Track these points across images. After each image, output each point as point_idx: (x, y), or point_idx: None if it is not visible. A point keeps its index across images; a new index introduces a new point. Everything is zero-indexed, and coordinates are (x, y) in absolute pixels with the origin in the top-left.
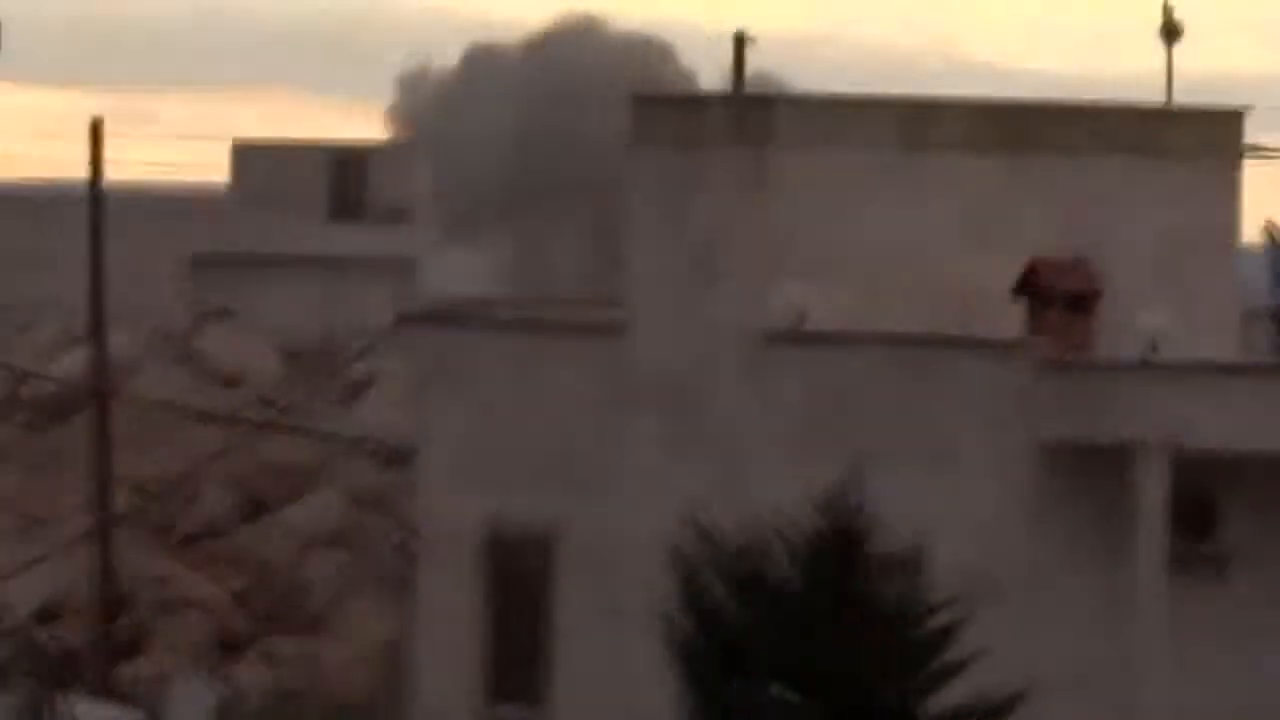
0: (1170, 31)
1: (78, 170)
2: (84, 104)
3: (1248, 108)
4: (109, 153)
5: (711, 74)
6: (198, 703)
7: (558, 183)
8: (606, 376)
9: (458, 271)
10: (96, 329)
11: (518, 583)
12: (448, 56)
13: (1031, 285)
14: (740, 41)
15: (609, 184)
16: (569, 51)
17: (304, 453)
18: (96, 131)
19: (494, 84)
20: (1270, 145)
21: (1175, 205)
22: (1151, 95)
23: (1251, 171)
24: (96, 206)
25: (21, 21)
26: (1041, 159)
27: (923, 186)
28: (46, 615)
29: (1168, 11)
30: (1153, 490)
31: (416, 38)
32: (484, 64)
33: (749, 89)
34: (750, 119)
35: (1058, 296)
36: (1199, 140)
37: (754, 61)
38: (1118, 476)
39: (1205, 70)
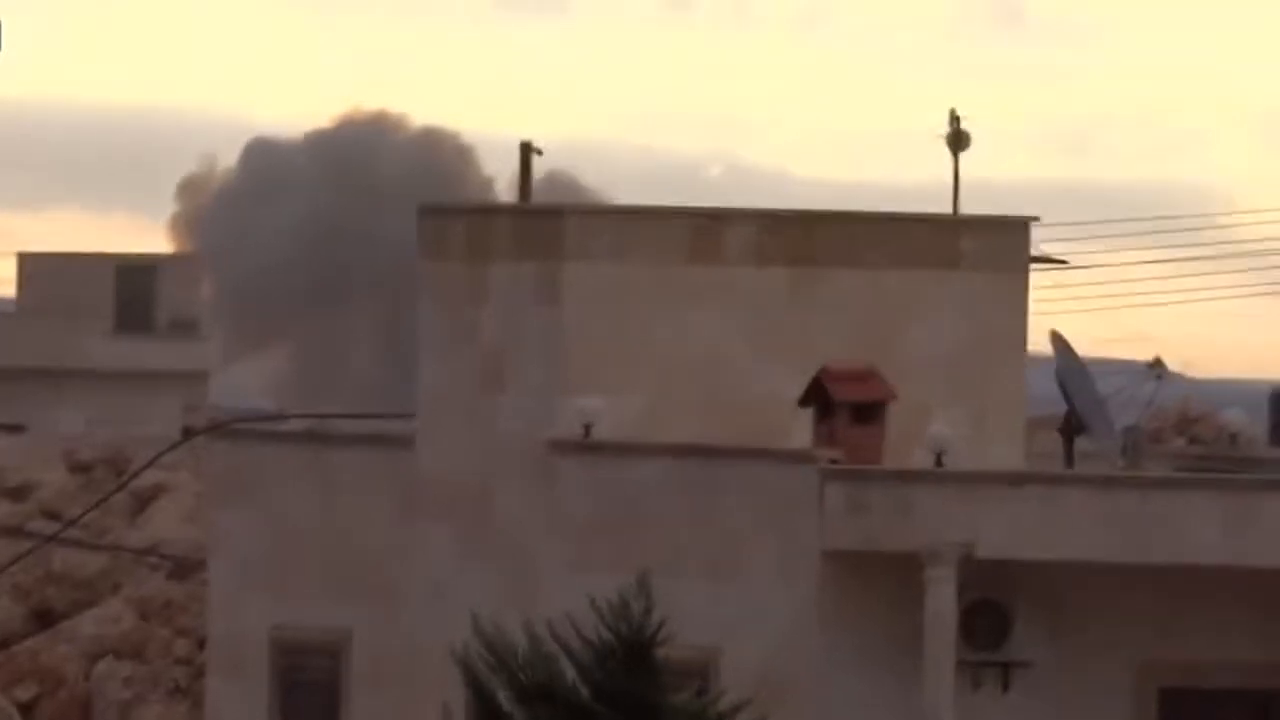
0: (957, 140)
1: None
2: None
3: (1034, 218)
4: None
5: (503, 178)
6: None
7: (349, 284)
8: (396, 486)
9: (246, 382)
10: None
11: (306, 691)
12: (230, 160)
13: (819, 395)
14: (527, 151)
15: (404, 286)
16: (359, 148)
17: (92, 564)
18: None
19: (276, 182)
20: (1056, 255)
21: (964, 314)
22: (938, 203)
23: (1038, 280)
24: None
25: None
26: (829, 269)
27: (711, 297)
28: None
29: (955, 120)
30: (943, 599)
31: (204, 148)
32: (264, 161)
33: (542, 190)
34: (539, 230)
35: (846, 406)
36: (987, 249)
37: (546, 163)
38: (908, 584)
39: (991, 178)
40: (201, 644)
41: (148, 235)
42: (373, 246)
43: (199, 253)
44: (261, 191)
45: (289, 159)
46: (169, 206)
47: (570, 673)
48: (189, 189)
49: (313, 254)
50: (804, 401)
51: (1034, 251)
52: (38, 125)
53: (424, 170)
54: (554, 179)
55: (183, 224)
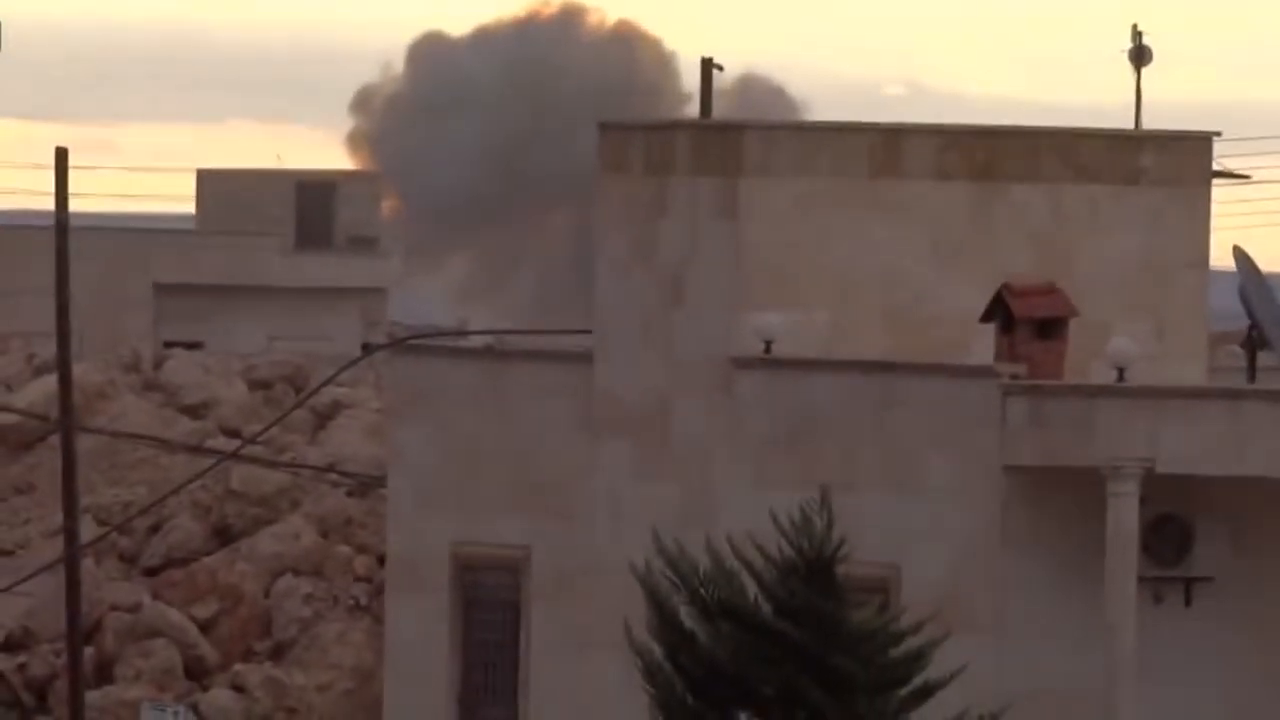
0: (1139, 55)
1: (42, 201)
2: (46, 134)
3: (1216, 132)
4: (74, 184)
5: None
6: None
7: (532, 197)
8: (575, 402)
9: (427, 297)
10: (61, 359)
11: (487, 609)
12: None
13: (1001, 310)
14: (708, 67)
15: (586, 200)
16: (544, 50)
17: (271, 481)
18: (61, 161)
19: (452, 89)
20: (1239, 170)
21: (1145, 230)
22: (1120, 120)
23: (1220, 195)
24: (61, 236)
25: None
26: (1010, 185)
27: (891, 213)
28: (13, 645)
29: (1137, 36)
30: (1125, 515)
31: (384, 55)
32: (436, 65)
33: (735, 92)
34: (719, 146)
35: (1027, 321)
36: (1168, 165)
37: (744, 65)
38: (1089, 500)
39: (1174, 95)
40: (381, 561)
41: (327, 149)
42: (560, 159)
43: (377, 170)
44: (436, 101)
45: (462, 61)
46: (348, 120)
47: (752, 589)
48: (365, 100)
49: (494, 167)
50: (985, 317)
51: (1215, 166)
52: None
53: (616, 82)
54: (749, 81)
55: (360, 141)
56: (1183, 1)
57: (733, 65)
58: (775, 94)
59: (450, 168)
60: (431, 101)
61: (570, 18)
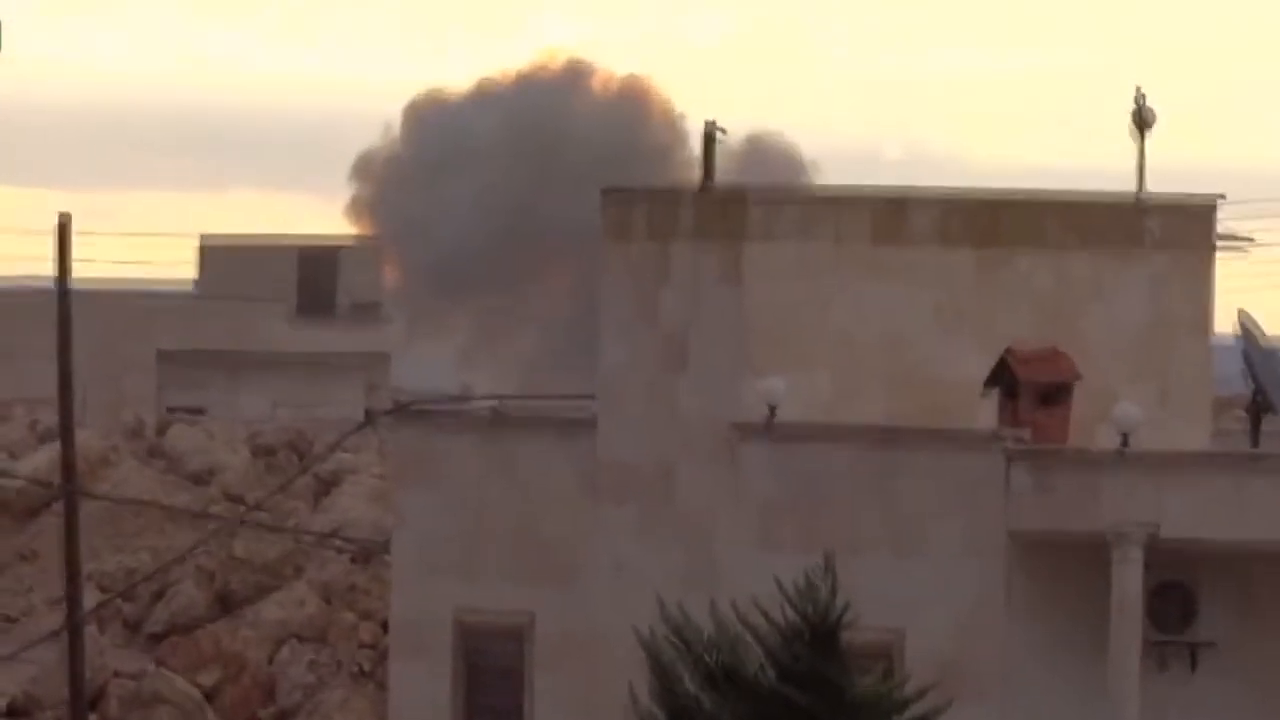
0: (1142, 122)
1: (45, 267)
2: (49, 201)
3: (1220, 197)
4: (76, 250)
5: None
6: None
7: (534, 260)
8: (578, 468)
9: (429, 364)
10: (65, 426)
11: (490, 675)
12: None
13: (1005, 376)
14: (710, 134)
15: (588, 263)
16: (547, 109)
17: (275, 547)
18: (64, 229)
19: (452, 149)
20: (1242, 235)
21: (1149, 296)
22: (1123, 185)
23: (1223, 260)
24: (64, 303)
25: None
26: (1014, 251)
27: (894, 279)
28: (17, 712)
29: (1140, 101)
30: (1129, 580)
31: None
32: (435, 125)
33: (746, 149)
34: (721, 212)
35: (1031, 387)
36: (1172, 231)
37: (750, 124)
38: (1094, 566)
39: (1177, 160)
40: (385, 627)
41: (329, 215)
42: (564, 221)
43: (378, 236)
44: (437, 164)
45: (463, 121)
46: (348, 186)
47: (756, 655)
48: (365, 165)
49: (497, 229)
50: (989, 382)
51: (1219, 231)
52: (208, 110)
53: (622, 144)
54: (757, 142)
55: (361, 206)
56: (1187, 65)
57: (739, 125)
58: (786, 155)
59: (452, 230)
60: (431, 164)
61: (576, 74)
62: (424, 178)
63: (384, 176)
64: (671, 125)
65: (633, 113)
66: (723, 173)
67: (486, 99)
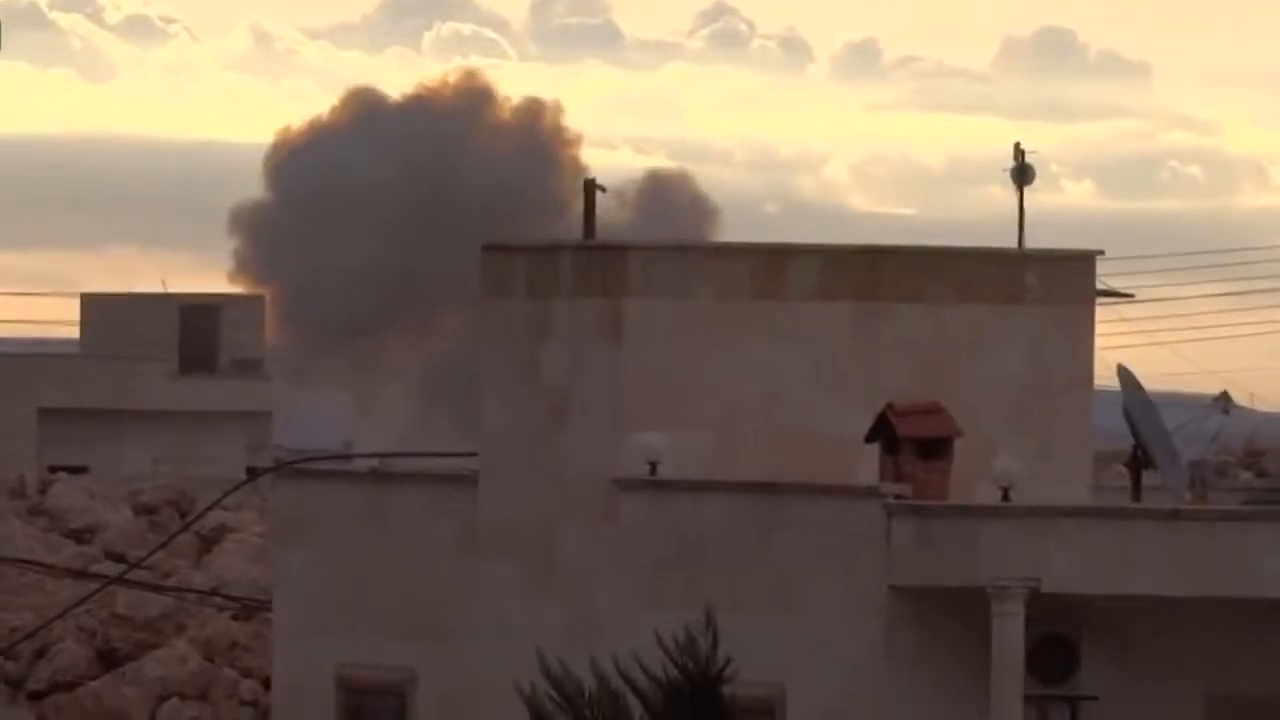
0: (1022, 174)
1: None
2: None
3: (1099, 251)
4: None
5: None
6: None
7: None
8: (459, 524)
9: (311, 419)
10: None
11: None
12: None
13: (885, 430)
14: (590, 187)
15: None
16: (438, 140)
17: (157, 605)
18: None
19: (334, 192)
20: (1121, 289)
21: (1029, 348)
22: (1003, 238)
23: (1103, 314)
24: None
25: None
26: (893, 305)
27: (775, 333)
28: None
29: (1020, 154)
30: (1011, 634)
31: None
32: (314, 168)
33: (649, 188)
34: (601, 267)
35: (912, 441)
36: (1052, 283)
37: (652, 164)
38: (975, 620)
39: (1057, 210)
40: (267, 684)
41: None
42: (451, 269)
43: (259, 291)
44: (317, 210)
45: (345, 159)
46: (228, 241)
47: (637, 711)
48: (242, 217)
49: (380, 279)
50: (870, 437)
51: (1099, 285)
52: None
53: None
54: (659, 177)
55: (240, 261)
56: (1066, 118)
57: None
58: (691, 198)
59: (332, 282)
60: (312, 210)
61: (472, 103)
62: (304, 226)
63: (262, 227)
64: (568, 162)
65: (530, 147)
66: (622, 215)
67: (372, 133)
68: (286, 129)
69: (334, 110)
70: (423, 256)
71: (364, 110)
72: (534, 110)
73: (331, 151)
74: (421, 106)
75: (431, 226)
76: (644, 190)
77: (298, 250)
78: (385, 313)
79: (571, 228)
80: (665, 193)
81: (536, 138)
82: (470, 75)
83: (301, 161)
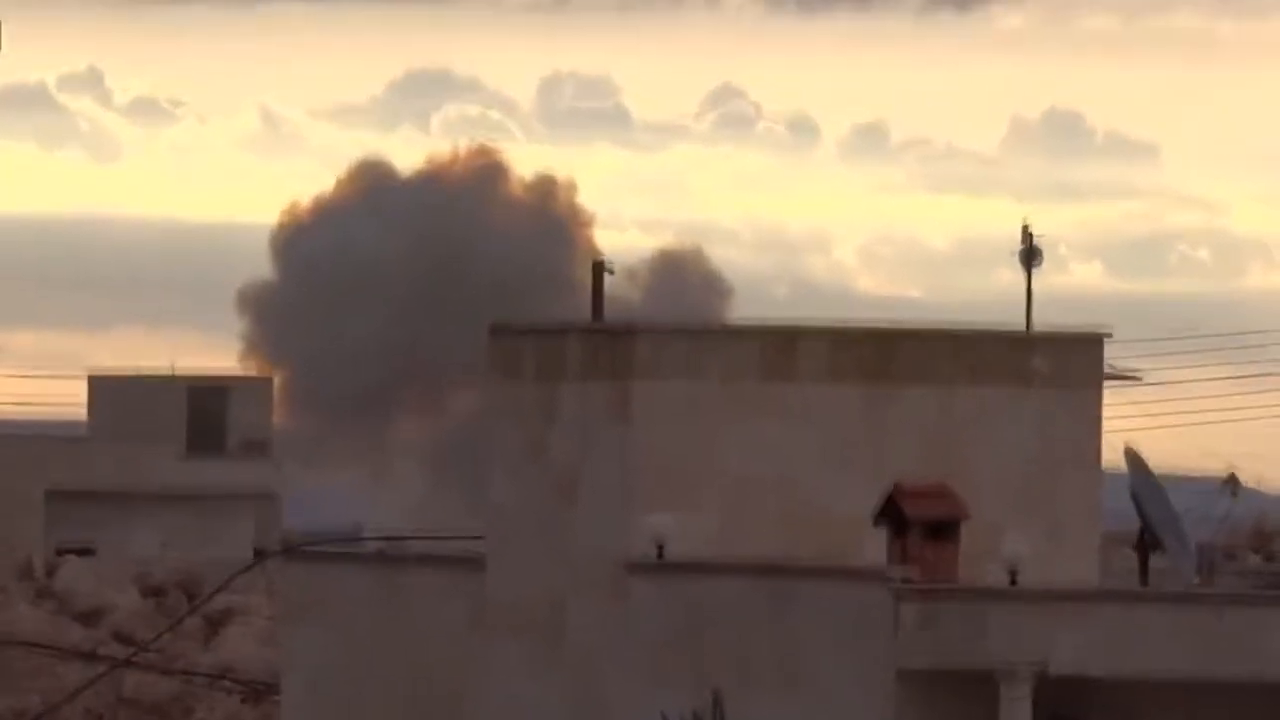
0: (1030, 256)
1: None
2: None
3: (1107, 334)
4: None
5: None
6: None
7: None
8: (468, 605)
9: (320, 500)
10: None
11: None
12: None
13: (893, 512)
14: (599, 269)
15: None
16: (450, 218)
17: (165, 688)
18: None
19: (340, 270)
20: (1129, 370)
21: (1037, 430)
22: (1011, 317)
23: (1111, 396)
24: None
25: None
26: (902, 386)
27: (783, 415)
28: None
29: (1028, 236)
30: (1018, 716)
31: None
32: (322, 247)
33: (657, 265)
34: (609, 350)
35: (919, 523)
36: (1060, 365)
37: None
38: (983, 702)
39: (1065, 291)
40: None
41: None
42: (462, 350)
43: (268, 373)
44: (326, 290)
45: (353, 237)
46: (237, 321)
47: None
48: (251, 297)
49: (390, 359)
50: (878, 518)
51: (1107, 367)
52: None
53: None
54: (671, 255)
55: (250, 341)
56: (1074, 199)
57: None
58: (705, 277)
59: (341, 360)
60: (319, 289)
61: (485, 178)
62: (311, 305)
63: (271, 307)
64: (582, 238)
65: (544, 225)
66: (635, 294)
67: (382, 210)
68: (293, 206)
69: (340, 184)
70: (432, 333)
71: (371, 185)
72: (547, 187)
73: (339, 228)
74: (432, 182)
75: (442, 303)
76: (657, 268)
77: (305, 329)
78: (394, 390)
79: (583, 306)
80: (678, 271)
81: (550, 216)
82: (483, 150)
83: (309, 239)
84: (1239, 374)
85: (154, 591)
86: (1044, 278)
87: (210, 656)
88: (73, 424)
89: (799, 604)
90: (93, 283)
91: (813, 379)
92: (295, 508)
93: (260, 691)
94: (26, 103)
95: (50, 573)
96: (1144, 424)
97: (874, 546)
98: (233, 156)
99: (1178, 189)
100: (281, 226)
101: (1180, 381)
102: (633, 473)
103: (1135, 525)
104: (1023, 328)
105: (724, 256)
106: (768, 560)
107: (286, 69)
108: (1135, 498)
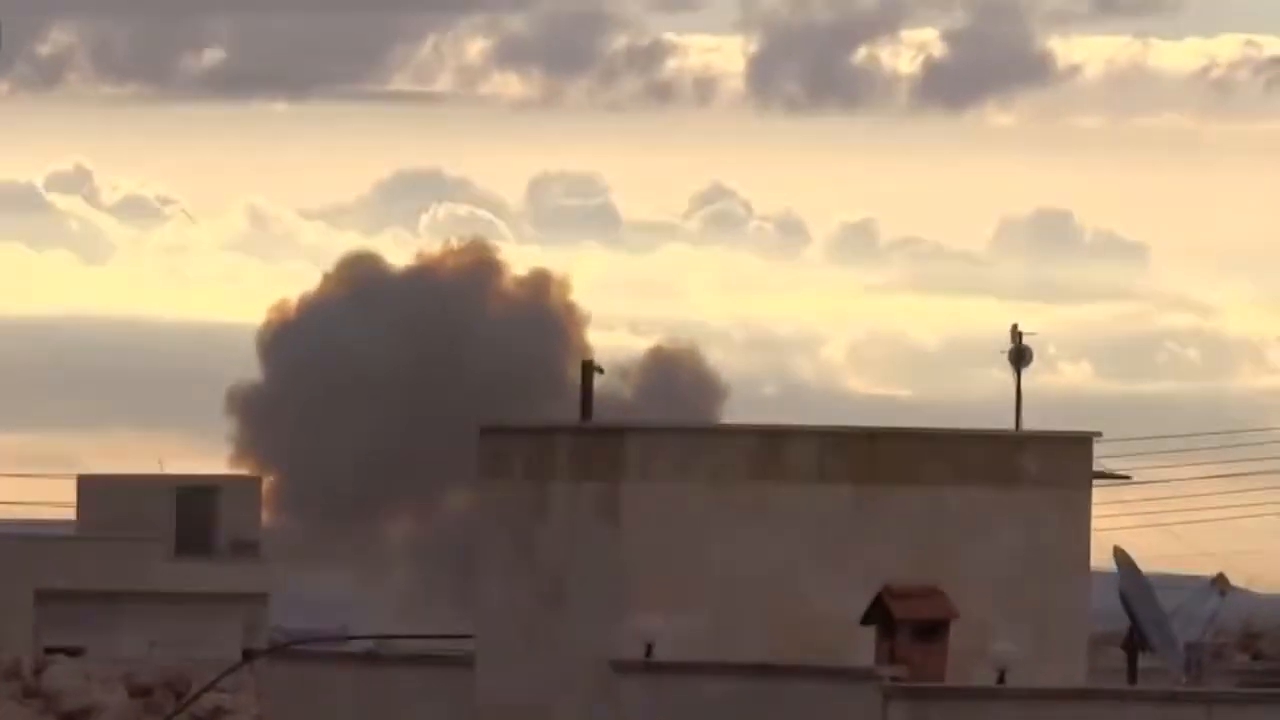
0: (1019, 356)
1: None
2: None
3: (1096, 433)
4: None
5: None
6: None
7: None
8: (456, 706)
9: (309, 600)
10: None
11: None
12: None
13: (881, 613)
14: (588, 369)
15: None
16: (443, 318)
17: None
18: None
19: (328, 370)
20: (1118, 470)
21: (1026, 530)
22: (1000, 417)
23: (1100, 496)
24: None
25: None
26: (891, 487)
27: (772, 516)
28: None
29: (1016, 337)
30: None
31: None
32: (312, 347)
33: (650, 366)
34: (599, 450)
35: (908, 624)
36: (1049, 465)
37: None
38: None
39: (1054, 391)
40: None
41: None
42: (450, 448)
43: (257, 474)
44: (316, 388)
45: (341, 335)
46: (225, 423)
47: None
48: (239, 398)
49: (380, 458)
50: (866, 619)
51: (1096, 466)
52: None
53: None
54: (664, 354)
55: (239, 442)
56: (1063, 300)
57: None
58: (698, 375)
59: (330, 463)
60: (307, 388)
61: (478, 274)
62: (299, 405)
63: (260, 408)
64: (576, 337)
65: (538, 323)
66: (626, 393)
67: (372, 308)
68: (281, 304)
69: (328, 280)
70: (422, 433)
71: (360, 282)
72: (541, 282)
73: (327, 326)
74: (423, 277)
75: (432, 401)
76: (648, 367)
77: (293, 430)
78: (384, 491)
79: (574, 406)
80: (671, 369)
81: (545, 310)
82: (475, 246)
83: (296, 337)
84: (1228, 473)
85: (142, 691)
86: (1033, 377)
87: None
88: (62, 524)
89: (788, 704)
90: (82, 383)
91: (802, 479)
92: (285, 608)
93: None
94: (16, 204)
95: (38, 672)
96: (1133, 523)
97: (865, 646)
98: (222, 256)
99: (1167, 289)
100: (268, 325)
101: (1170, 480)
102: (621, 572)
103: (1124, 624)
104: (1012, 428)
105: (713, 356)
106: (757, 660)
107: (276, 168)
108: (1124, 597)
